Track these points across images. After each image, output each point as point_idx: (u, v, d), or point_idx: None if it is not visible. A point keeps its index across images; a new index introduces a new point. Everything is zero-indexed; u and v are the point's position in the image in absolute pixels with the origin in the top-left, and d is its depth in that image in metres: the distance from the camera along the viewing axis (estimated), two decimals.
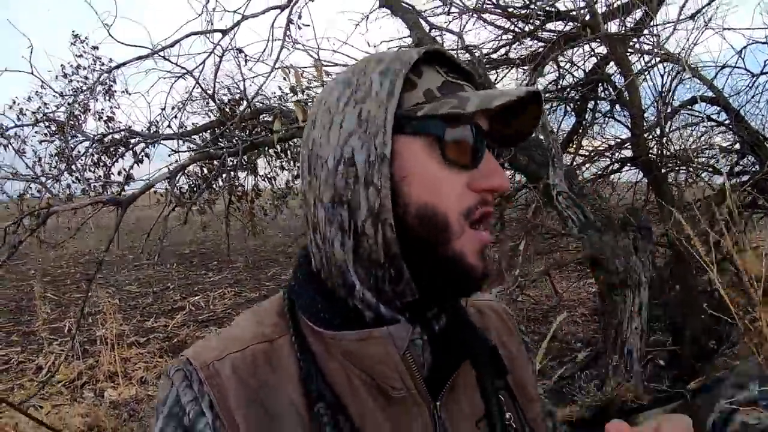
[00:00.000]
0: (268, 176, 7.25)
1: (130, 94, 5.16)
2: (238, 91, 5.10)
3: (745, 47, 4.79)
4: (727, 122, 4.72)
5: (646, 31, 4.43)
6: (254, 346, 0.62)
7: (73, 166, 4.19)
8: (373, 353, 0.59)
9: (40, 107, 5.57)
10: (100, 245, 11.24)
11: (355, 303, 0.61)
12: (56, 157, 5.01)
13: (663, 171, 4.26)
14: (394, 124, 0.59)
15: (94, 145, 4.53)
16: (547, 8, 4.42)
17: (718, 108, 4.73)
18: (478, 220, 0.61)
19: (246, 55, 4.67)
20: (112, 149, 4.83)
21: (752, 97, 4.98)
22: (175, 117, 4.82)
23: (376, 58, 0.65)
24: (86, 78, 5.70)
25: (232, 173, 4.91)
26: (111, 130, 4.95)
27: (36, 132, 5.08)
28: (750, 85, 4.98)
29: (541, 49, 4.49)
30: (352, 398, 0.60)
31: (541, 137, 3.60)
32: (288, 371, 0.60)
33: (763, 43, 4.78)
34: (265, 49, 4.46)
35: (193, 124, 5.45)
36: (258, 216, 7.52)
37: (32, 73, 3.76)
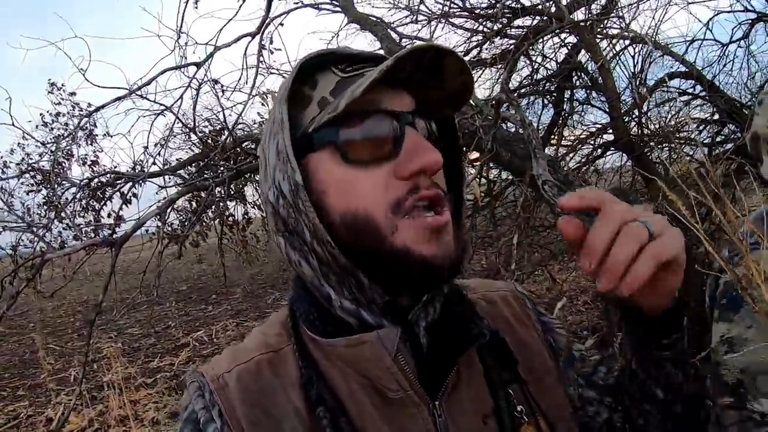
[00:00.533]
0: (257, 203, 7.30)
1: (111, 136, 5.19)
2: (218, 121, 5.14)
3: (711, 18, 4.90)
4: (702, 94, 4.79)
5: (612, 15, 4.51)
6: (259, 356, 0.66)
7: (63, 214, 4.20)
8: (365, 357, 0.61)
9: (23, 158, 5.60)
10: (96, 291, 11.19)
11: (338, 313, 0.63)
12: (45, 206, 5.02)
13: (645, 150, 4.30)
14: (303, 144, 0.61)
15: (81, 191, 4.53)
16: (513, 5, 4.49)
17: (693, 81, 4.80)
18: (416, 208, 0.59)
19: (222, 86, 4.72)
20: (99, 193, 4.83)
21: (724, 66, 5.06)
22: (159, 154, 4.85)
23: (281, 85, 0.66)
24: (66, 124, 5.75)
25: (221, 204, 4.93)
26: (96, 174, 4.96)
27: (22, 183, 5.11)
28: (721, 55, 5.06)
29: (512, 47, 4.57)
30: (352, 401, 0.62)
31: (521, 131, 3.63)
32: (290, 378, 0.64)
33: (729, 12, 4.87)
34: (240, 78, 4.52)
35: (177, 159, 5.48)
36: (251, 244, 7.53)
37: (13, 125, 3.77)
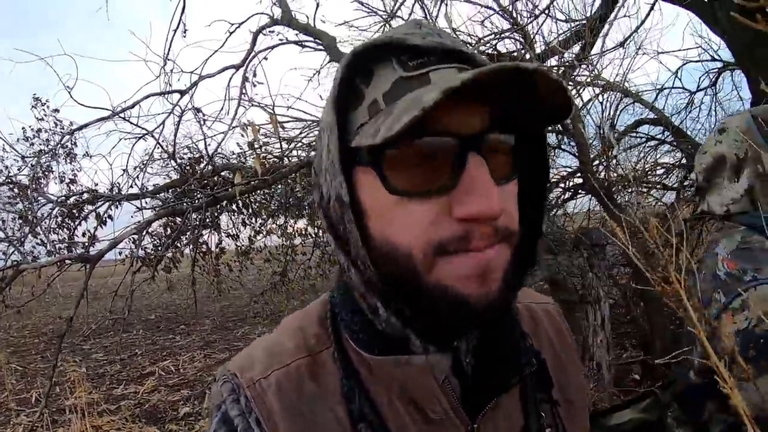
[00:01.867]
0: (231, 234, 7.30)
1: (91, 156, 5.21)
2: (198, 150, 5.21)
3: (680, 68, 5.17)
4: (670, 140, 5.00)
5: (584, 64, 4.73)
6: (298, 361, 0.61)
7: (38, 229, 4.18)
8: (412, 378, 0.57)
9: (1, 170, 5.57)
10: (63, 313, 10.94)
11: (383, 327, 0.58)
12: (20, 220, 4.98)
13: (613, 193, 4.47)
14: (350, 156, 0.53)
15: (57, 208, 4.53)
16: (489, 52, 4.69)
17: (661, 128, 5.02)
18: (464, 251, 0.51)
19: (204, 114, 4.81)
20: (75, 211, 4.83)
21: (690, 112, 5.33)
22: (138, 177, 4.87)
23: (336, 75, 0.56)
24: (48, 141, 5.75)
25: (195, 230, 4.95)
26: (74, 193, 4.96)
27: None
28: (688, 102, 5.33)
29: None
30: (393, 419, 0.58)
31: None
32: (331, 387, 0.59)
33: (697, 61, 5.16)
34: (222, 108, 4.61)
35: (153, 184, 5.50)
36: (223, 274, 7.48)
37: None
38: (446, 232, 0.50)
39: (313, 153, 4.56)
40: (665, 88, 5.24)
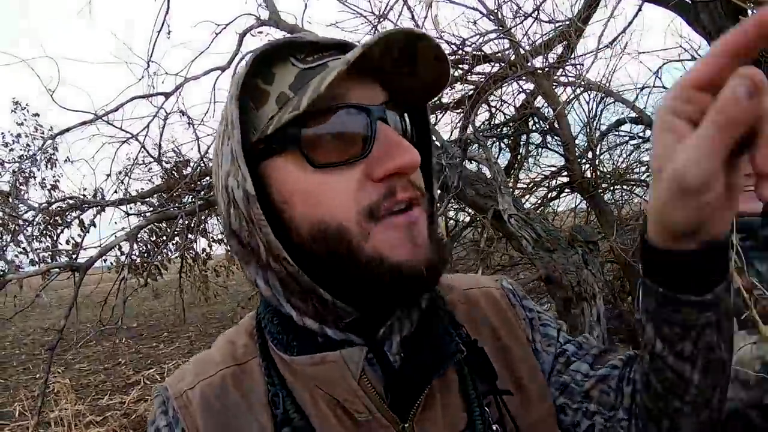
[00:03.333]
0: (217, 239, 7.24)
1: (72, 162, 5.10)
2: (182, 154, 5.14)
3: (660, 67, 5.26)
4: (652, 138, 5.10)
5: (568, 65, 4.81)
6: (224, 370, 0.62)
7: (20, 237, 4.08)
8: (329, 377, 0.57)
9: None
10: (44, 324, 10.69)
11: (302, 330, 0.59)
12: (0, 228, 4.85)
13: (599, 191, 4.55)
14: (260, 148, 0.55)
15: (39, 215, 4.43)
16: (475, 53, 4.74)
17: (643, 126, 5.12)
18: (392, 213, 0.54)
19: (190, 117, 4.75)
20: (58, 218, 4.72)
21: None
22: (122, 182, 4.78)
23: (232, 81, 0.58)
24: (28, 146, 5.61)
25: (184, 235, 4.89)
26: (56, 199, 4.85)
27: None
28: None
29: (471, 92, 4.79)
30: (320, 422, 0.58)
31: (485, 169, 3.81)
32: (256, 394, 0.60)
33: (677, 61, 5.26)
34: (207, 111, 4.56)
35: (136, 190, 5.41)
36: (211, 280, 7.39)
37: None
38: (372, 194, 0.53)
39: None
40: (646, 87, 5.33)
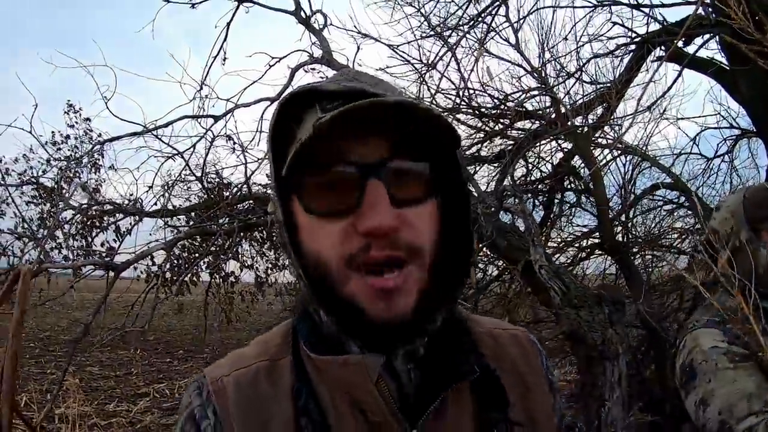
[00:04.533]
0: (247, 264, 7.32)
1: (116, 170, 5.27)
2: (224, 177, 5.26)
3: (698, 134, 5.26)
4: (686, 204, 5.06)
5: (606, 126, 4.86)
6: (258, 363, 0.70)
7: (57, 233, 4.20)
8: (350, 378, 0.62)
9: (26, 170, 5.62)
10: (61, 323, 10.84)
11: (326, 330, 0.66)
12: (39, 222, 5.00)
13: (629, 255, 4.51)
14: (290, 184, 0.64)
15: (78, 215, 4.56)
16: (517, 108, 4.83)
17: (677, 192, 5.09)
18: (368, 267, 0.59)
19: (235, 142, 4.89)
20: (96, 221, 4.86)
21: (707, 179, 5.35)
22: (163, 196, 4.92)
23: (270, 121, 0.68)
24: (76, 147, 5.81)
25: (219, 255, 4.96)
26: (96, 202, 5.00)
27: (21, 194, 5.09)
28: (705, 168, 5.38)
29: (509, 147, 4.86)
30: (337, 419, 0.64)
31: (517, 219, 3.84)
32: (284, 388, 0.67)
33: (714, 128, 5.25)
34: (253, 138, 4.69)
35: (173, 206, 5.56)
36: (235, 303, 7.44)
37: (30, 132, 3.86)
38: (354, 245, 0.59)
39: None
40: (683, 153, 5.32)
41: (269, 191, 5.31)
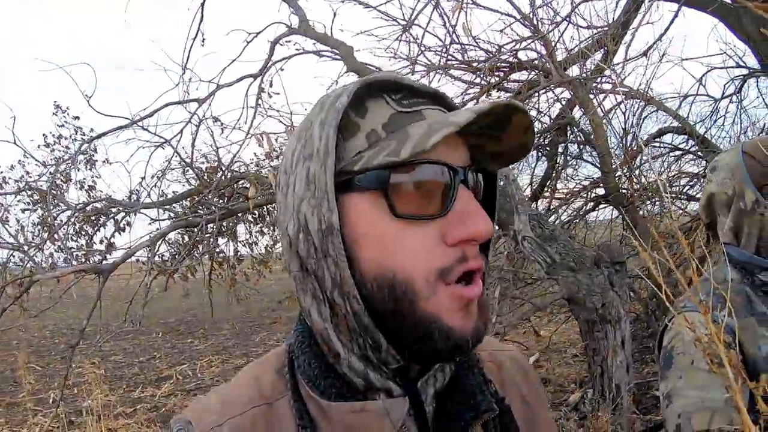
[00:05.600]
0: (248, 242, 7.33)
1: (110, 163, 5.25)
2: (215, 159, 5.22)
3: (704, 75, 5.02)
4: (694, 149, 4.87)
5: (606, 72, 4.64)
6: (253, 410, 0.60)
7: (56, 235, 4.22)
8: (367, 427, 0.55)
9: (23, 176, 5.66)
10: (82, 314, 11.12)
11: (344, 370, 0.57)
12: (39, 227, 5.04)
13: (635, 205, 4.37)
14: (339, 182, 0.53)
15: (75, 215, 4.57)
16: (510, 59, 4.62)
17: (685, 136, 4.89)
18: (460, 280, 0.53)
19: (222, 123, 4.81)
20: (93, 218, 4.87)
21: (716, 121, 5.17)
22: (155, 186, 4.89)
23: (320, 102, 0.58)
24: (68, 147, 5.80)
25: (211, 240, 4.95)
26: (92, 200, 5.00)
27: (19, 201, 5.14)
28: (713, 110, 5.18)
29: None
30: None
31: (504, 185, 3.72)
32: None
33: (722, 68, 5.01)
34: (240, 117, 4.60)
35: (173, 192, 5.53)
36: (240, 282, 7.51)
37: (15, 143, 3.84)
38: (445, 257, 0.52)
39: None
40: (689, 96, 5.09)
41: (263, 171, 5.27)
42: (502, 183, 3.80)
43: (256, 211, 5.46)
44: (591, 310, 2.94)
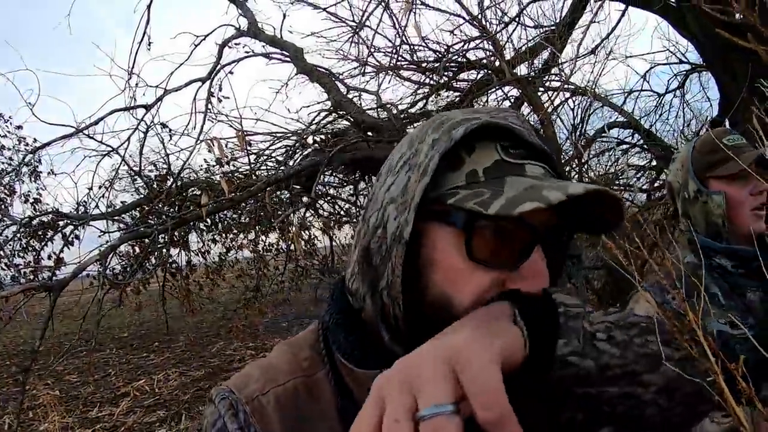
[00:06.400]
0: (201, 251, 7.15)
1: (55, 174, 5.04)
2: (165, 166, 5.09)
3: (648, 71, 5.21)
4: (640, 143, 5.04)
5: (553, 70, 4.76)
6: (295, 380, 0.63)
7: (1, 252, 4.03)
8: None
9: None
10: (35, 334, 10.63)
11: (389, 347, 0.60)
12: None
13: None
14: (431, 205, 0.57)
15: (22, 229, 4.39)
16: (459, 59, 4.69)
17: (631, 131, 5.06)
18: None
19: (170, 130, 4.70)
20: (40, 233, 4.67)
21: (660, 115, 5.37)
22: (104, 196, 4.76)
23: (439, 120, 0.62)
24: (11, 159, 5.52)
25: (164, 250, 4.83)
26: (39, 213, 4.79)
27: None
28: (657, 104, 5.38)
29: (457, 99, 4.74)
30: None
31: None
32: (327, 405, 0.62)
33: (665, 64, 5.21)
34: (188, 123, 4.53)
35: (121, 202, 5.35)
36: (194, 292, 7.33)
37: None
38: (494, 294, 0.55)
39: (282, 168, 4.46)
40: (634, 91, 5.29)
41: (215, 178, 5.17)
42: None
43: (208, 219, 5.35)
44: None
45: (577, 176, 4.66)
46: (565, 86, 4.60)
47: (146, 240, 3.83)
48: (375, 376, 0.55)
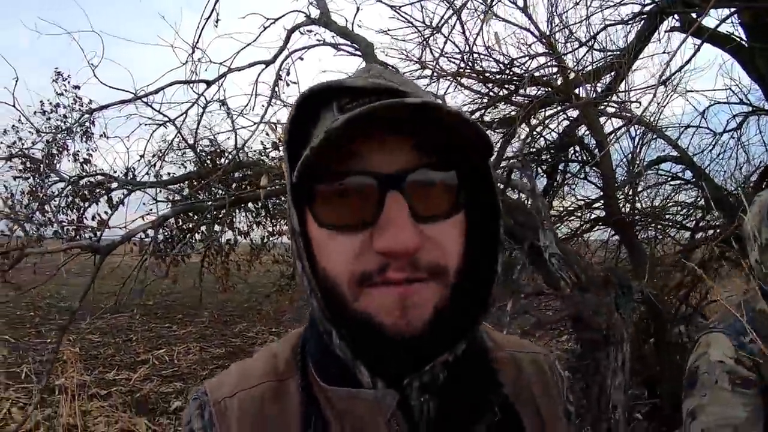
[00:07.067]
0: (243, 231, 7.19)
1: (108, 137, 5.09)
2: (217, 143, 5.11)
3: (707, 108, 5.11)
4: (693, 180, 4.95)
5: (615, 97, 4.69)
6: (264, 384, 0.64)
7: (46, 207, 4.08)
8: (360, 414, 0.58)
9: (15, 141, 5.43)
10: (61, 289, 10.81)
11: (339, 353, 0.57)
12: (28, 196, 4.85)
13: (634, 229, 4.41)
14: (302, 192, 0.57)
15: (69, 187, 4.44)
16: (522, 74, 4.63)
17: (683, 166, 4.96)
18: (384, 283, 0.53)
19: (230, 108, 4.72)
20: (87, 192, 4.72)
21: (716, 154, 5.25)
22: (154, 165, 4.77)
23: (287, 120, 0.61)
24: (65, 117, 5.59)
25: (213, 226, 4.86)
26: (87, 173, 4.85)
27: (10, 167, 4.93)
28: (713, 143, 5.26)
29: (514, 113, 4.68)
30: None
31: (522, 197, 3.73)
32: (291, 412, 0.62)
33: (724, 103, 5.11)
34: (248, 103, 4.53)
35: (168, 173, 5.40)
36: (232, 271, 7.38)
37: (14, 106, 3.71)
38: (369, 263, 0.52)
39: None
40: (691, 126, 5.18)
41: (266, 159, 5.18)
42: (518, 195, 3.81)
43: (259, 202, 5.38)
44: (596, 330, 2.95)
45: (628, 205, 4.59)
46: (627, 113, 4.52)
47: (194, 215, 3.85)
48: (336, 394, 0.59)
